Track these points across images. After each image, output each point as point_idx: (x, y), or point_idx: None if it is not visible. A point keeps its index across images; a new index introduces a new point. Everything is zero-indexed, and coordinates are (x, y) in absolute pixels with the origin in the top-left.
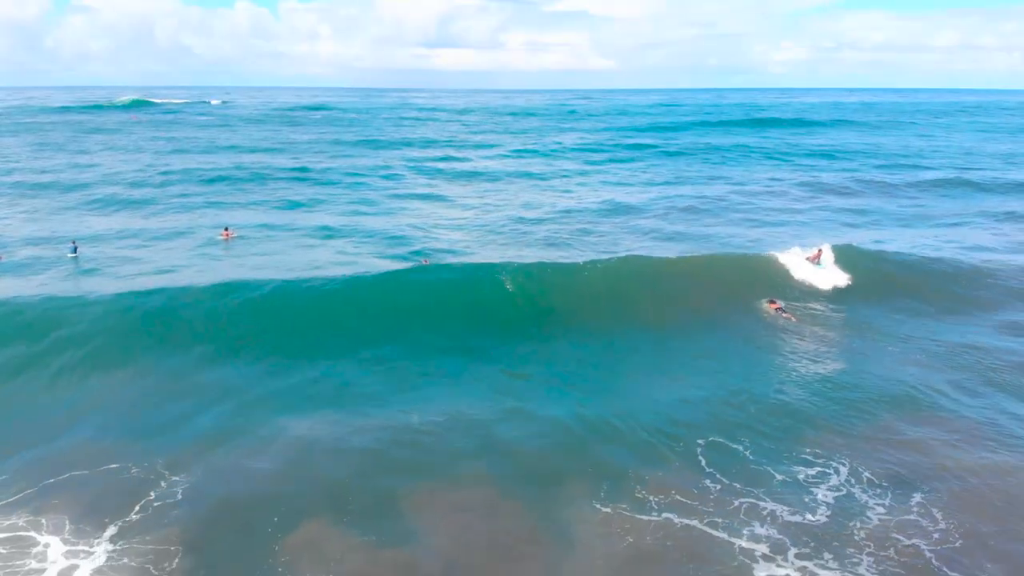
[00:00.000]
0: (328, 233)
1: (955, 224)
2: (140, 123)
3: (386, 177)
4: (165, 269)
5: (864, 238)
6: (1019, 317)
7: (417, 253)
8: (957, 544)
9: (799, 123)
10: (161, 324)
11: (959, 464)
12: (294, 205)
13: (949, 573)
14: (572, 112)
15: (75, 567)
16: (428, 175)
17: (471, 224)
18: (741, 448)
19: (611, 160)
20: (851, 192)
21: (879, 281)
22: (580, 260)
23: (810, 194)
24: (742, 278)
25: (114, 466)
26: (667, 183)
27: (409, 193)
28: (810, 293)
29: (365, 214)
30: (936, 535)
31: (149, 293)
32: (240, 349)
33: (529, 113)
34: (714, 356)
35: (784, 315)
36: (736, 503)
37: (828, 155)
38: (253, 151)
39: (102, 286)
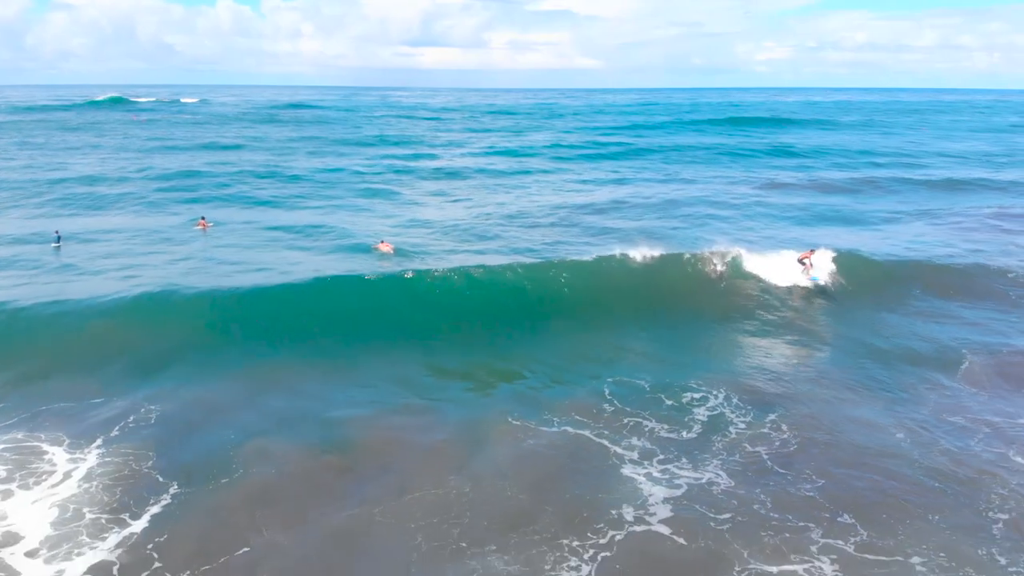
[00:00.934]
0: (283, 232)
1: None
2: (140, 122)
3: (354, 174)
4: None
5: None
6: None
7: (354, 250)
8: (792, 450)
9: (773, 122)
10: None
11: (817, 396)
12: (256, 203)
13: (778, 470)
14: (550, 111)
15: (75, 467)
16: (394, 172)
17: (417, 222)
18: (642, 383)
19: (580, 157)
20: (798, 189)
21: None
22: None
23: (757, 191)
24: (683, 274)
25: (98, 400)
26: (620, 181)
27: (367, 190)
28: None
29: (321, 211)
30: (777, 444)
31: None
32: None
33: (507, 112)
34: (649, 334)
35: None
36: (624, 421)
37: (792, 153)
38: (225, 148)
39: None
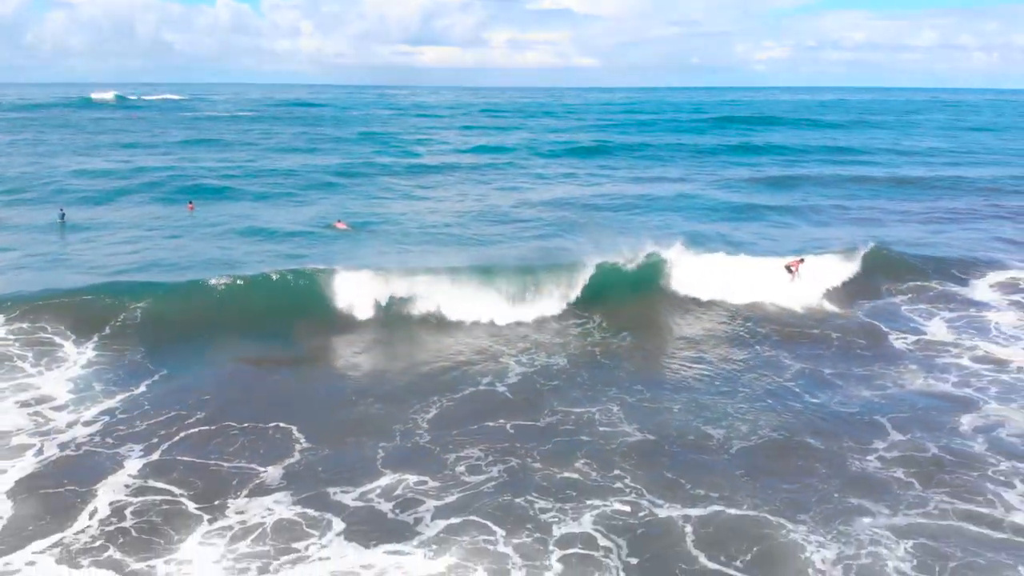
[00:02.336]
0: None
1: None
2: (141, 119)
3: (334, 172)
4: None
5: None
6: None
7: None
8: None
9: (753, 121)
10: None
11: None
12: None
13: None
14: (541, 110)
15: (82, 354)
16: (365, 168)
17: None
18: None
19: (549, 155)
20: (739, 183)
21: None
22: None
23: (698, 188)
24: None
25: (88, 296)
26: (570, 177)
27: (330, 184)
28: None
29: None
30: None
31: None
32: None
33: (496, 110)
34: None
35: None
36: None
37: (758, 151)
38: (207, 144)
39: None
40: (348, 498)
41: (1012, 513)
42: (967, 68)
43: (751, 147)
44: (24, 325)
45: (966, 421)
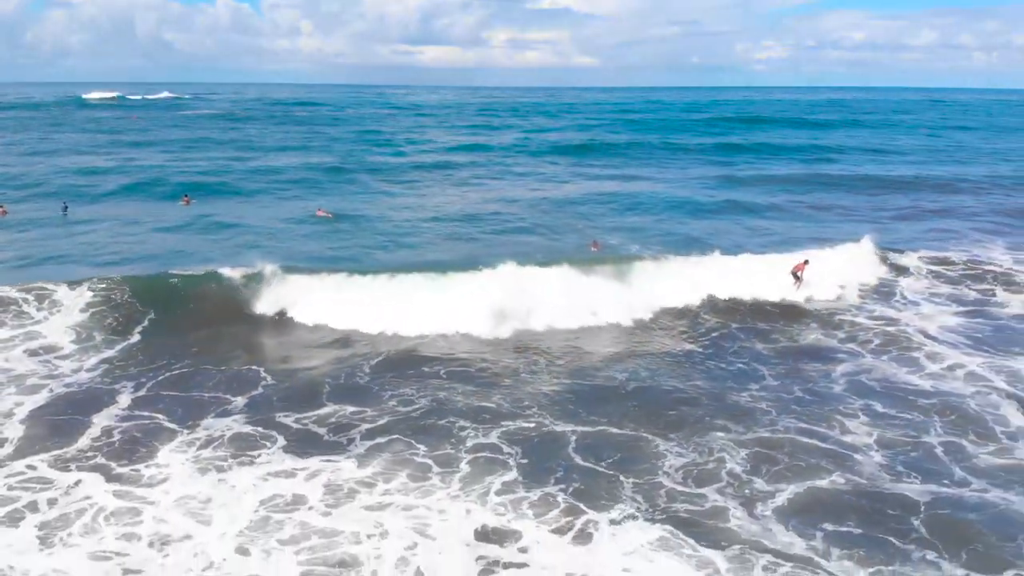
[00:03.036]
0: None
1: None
2: (140, 119)
3: (322, 169)
4: None
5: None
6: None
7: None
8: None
9: (735, 121)
10: None
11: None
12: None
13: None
14: (535, 109)
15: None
16: (351, 166)
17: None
18: None
19: (530, 154)
20: (700, 182)
21: None
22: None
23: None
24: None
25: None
26: (549, 178)
27: (320, 182)
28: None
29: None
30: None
31: None
32: None
33: (493, 110)
34: None
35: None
36: None
37: (739, 150)
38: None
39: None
40: (291, 420)
41: (846, 435)
42: (967, 68)
43: (732, 146)
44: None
45: (840, 369)
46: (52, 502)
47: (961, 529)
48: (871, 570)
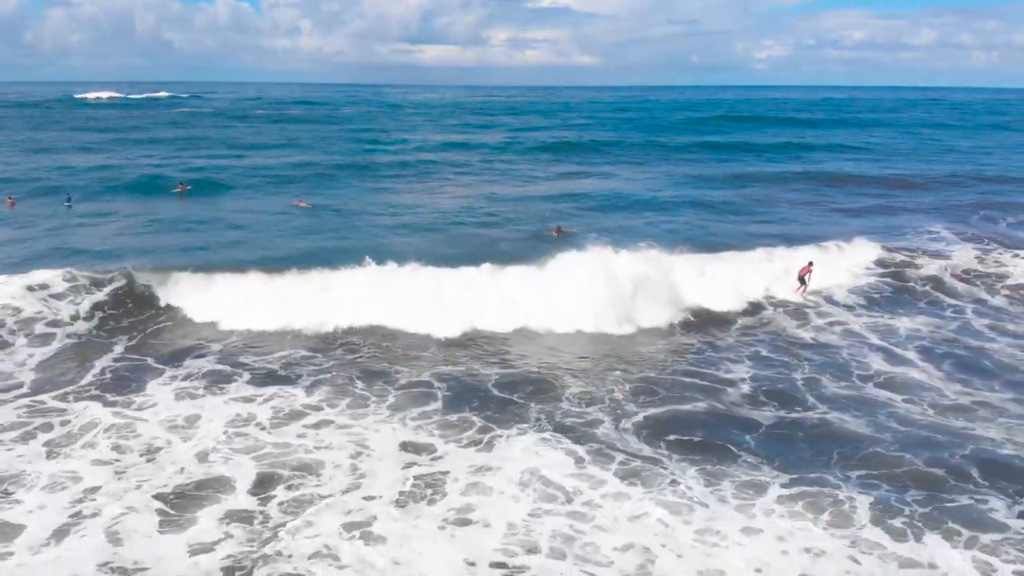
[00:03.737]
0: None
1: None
2: (140, 118)
3: (308, 166)
4: None
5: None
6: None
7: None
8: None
9: (740, 120)
10: None
11: None
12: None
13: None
14: (532, 108)
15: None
16: (342, 165)
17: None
18: None
19: (513, 152)
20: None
21: None
22: None
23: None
24: None
25: None
26: (527, 177)
27: (304, 179)
28: None
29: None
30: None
31: None
32: None
33: (488, 110)
34: None
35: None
36: None
37: (716, 149)
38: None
39: None
40: (252, 360)
41: (726, 374)
42: (967, 67)
43: (711, 145)
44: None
45: (739, 322)
46: (59, 424)
47: (790, 442)
48: (700, 467)
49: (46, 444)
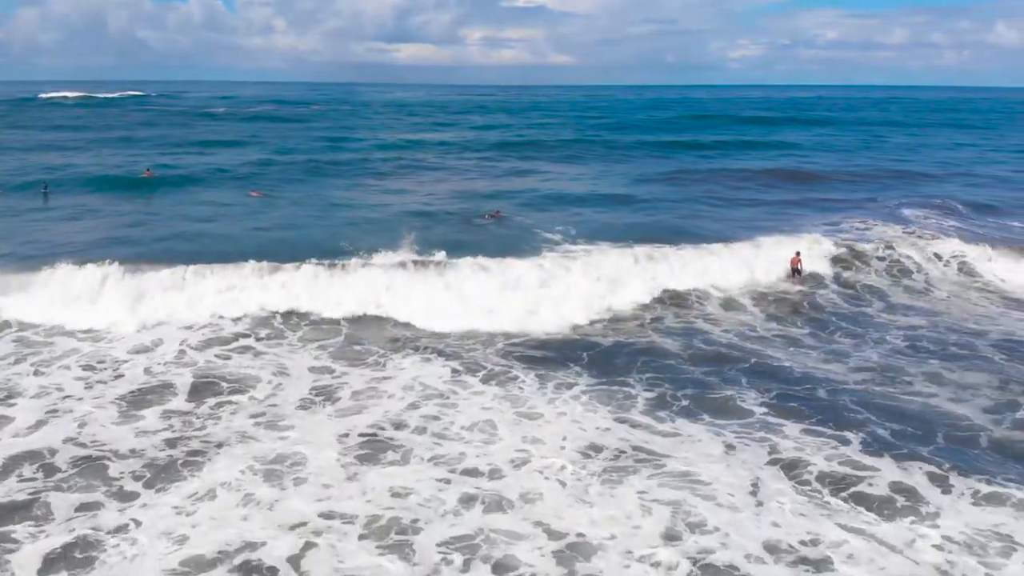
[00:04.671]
0: None
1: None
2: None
3: (261, 164)
4: None
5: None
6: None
7: None
8: None
9: (698, 119)
10: None
11: None
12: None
13: None
14: (499, 107)
15: None
16: (287, 163)
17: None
18: None
19: (489, 148)
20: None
21: None
22: None
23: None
24: None
25: None
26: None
27: (255, 175)
28: None
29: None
30: None
31: None
32: None
33: (451, 107)
34: None
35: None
36: None
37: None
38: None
39: None
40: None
41: None
42: (939, 66)
43: (665, 143)
44: None
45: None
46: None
47: (610, 356)
48: (539, 373)
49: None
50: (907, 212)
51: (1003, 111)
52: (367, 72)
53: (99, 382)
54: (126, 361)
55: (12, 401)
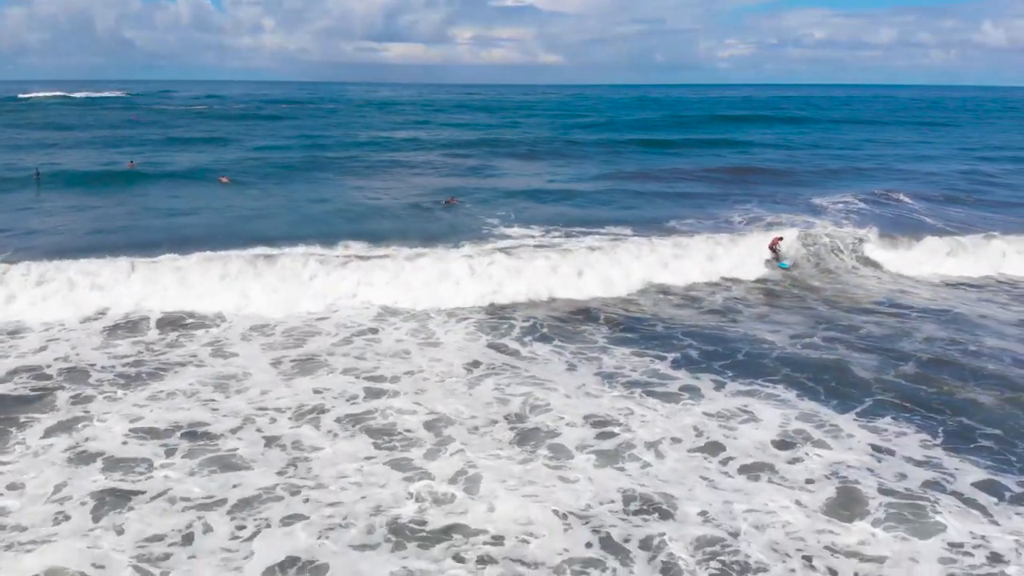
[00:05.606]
0: None
1: None
2: (140, 122)
3: (234, 162)
4: None
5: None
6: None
7: None
8: None
9: (672, 119)
10: None
11: None
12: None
13: None
14: (480, 106)
15: None
16: (262, 159)
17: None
18: None
19: (455, 145)
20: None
21: None
22: None
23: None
24: None
25: None
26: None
27: (226, 171)
28: None
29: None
30: None
31: None
32: None
33: (433, 106)
34: None
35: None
36: None
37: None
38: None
39: None
40: None
41: None
42: (926, 65)
43: (634, 142)
44: None
45: None
46: None
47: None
48: None
49: None
50: (817, 202)
51: (973, 109)
52: (356, 71)
53: None
54: None
55: None
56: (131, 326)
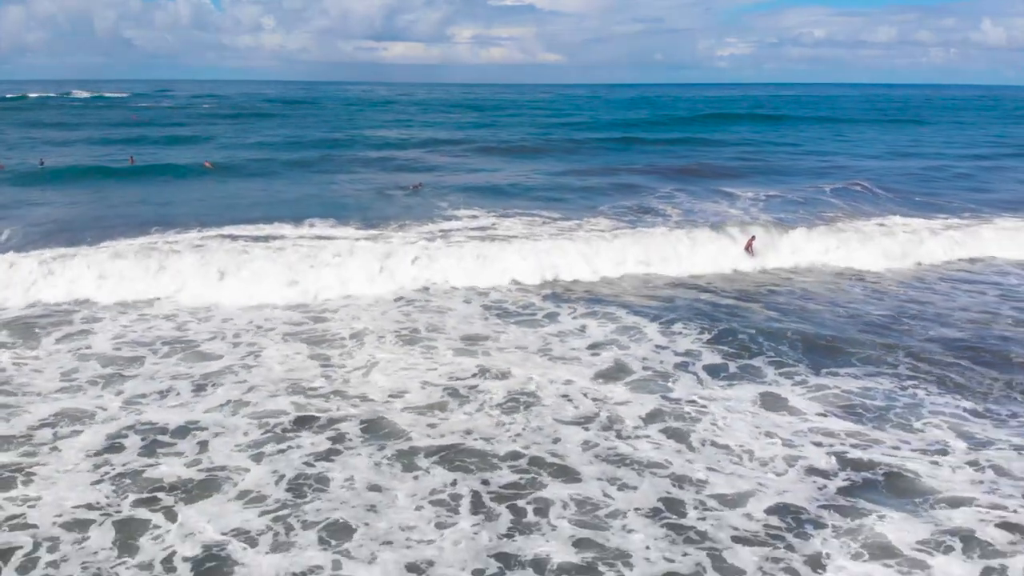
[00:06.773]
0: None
1: None
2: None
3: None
4: None
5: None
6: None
7: None
8: None
9: (665, 118)
10: None
11: None
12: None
13: None
14: (472, 105)
15: None
16: (253, 154)
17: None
18: None
19: (432, 143)
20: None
21: None
22: None
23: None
24: None
25: None
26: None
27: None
28: None
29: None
30: None
31: None
32: None
33: (424, 105)
34: None
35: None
36: None
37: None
38: None
39: None
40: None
41: None
42: (926, 64)
43: (611, 140)
44: None
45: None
46: None
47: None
48: None
49: None
50: (750, 193)
51: (951, 108)
52: (356, 70)
53: None
54: None
55: None
56: None
